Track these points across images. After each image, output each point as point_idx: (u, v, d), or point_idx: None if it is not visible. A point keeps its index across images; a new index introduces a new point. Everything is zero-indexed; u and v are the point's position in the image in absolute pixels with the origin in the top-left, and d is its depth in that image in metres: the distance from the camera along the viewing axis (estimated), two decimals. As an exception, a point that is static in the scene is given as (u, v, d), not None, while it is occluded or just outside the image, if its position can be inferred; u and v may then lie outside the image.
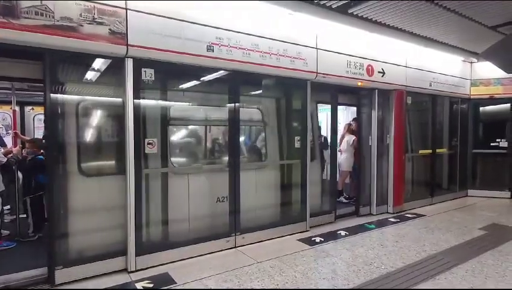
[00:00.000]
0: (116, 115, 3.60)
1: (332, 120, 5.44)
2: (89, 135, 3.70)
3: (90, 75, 3.69)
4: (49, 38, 2.88)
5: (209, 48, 3.80)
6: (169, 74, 4.02)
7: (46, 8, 2.85)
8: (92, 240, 3.41)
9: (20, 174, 4.62)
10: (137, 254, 3.46)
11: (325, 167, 5.74)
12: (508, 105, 7.44)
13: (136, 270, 3.45)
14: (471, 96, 7.70)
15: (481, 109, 7.99)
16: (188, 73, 4.10)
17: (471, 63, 7.62)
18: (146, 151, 3.57)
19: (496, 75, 7.17)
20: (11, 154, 4.48)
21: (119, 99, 3.53)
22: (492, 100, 7.62)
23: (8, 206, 5.16)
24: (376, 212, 5.85)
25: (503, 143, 7.47)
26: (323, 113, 6.45)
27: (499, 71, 6.16)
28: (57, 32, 2.91)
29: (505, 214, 6.05)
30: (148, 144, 3.56)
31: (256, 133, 5.18)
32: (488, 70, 7.20)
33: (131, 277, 3.33)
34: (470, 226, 5.20)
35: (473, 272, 3.47)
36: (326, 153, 5.82)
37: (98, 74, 3.67)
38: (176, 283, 3.19)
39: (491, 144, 7.62)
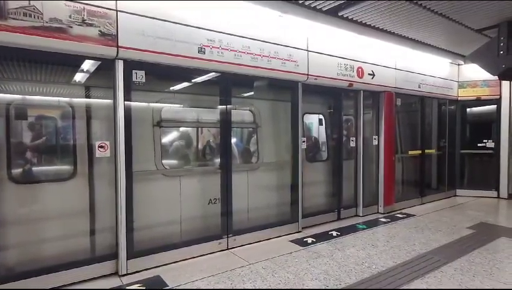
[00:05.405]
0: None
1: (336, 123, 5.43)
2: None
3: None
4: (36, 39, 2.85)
5: (201, 50, 3.79)
6: (161, 75, 4.01)
7: (34, 9, 2.82)
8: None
9: None
10: (128, 257, 3.43)
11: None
12: (494, 106, 7.60)
13: (128, 274, 3.42)
14: (459, 98, 7.85)
15: (468, 110, 8.15)
16: (179, 75, 4.08)
17: (458, 65, 7.77)
18: (137, 153, 3.55)
19: (483, 77, 7.31)
20: None
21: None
22: (479, 101, 7.78)
23: None
24: (362, 213, 5.90)
25: (490, 144, 7.63)
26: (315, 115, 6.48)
27: (486, 73, 6.29)
28: (46, 33, 2.87)
29: (492, 213, 6.18)
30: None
31: (248, 134, 5.19)
32: (475, 72, 7.34)
33: (123, 281, 3.30)
34: (459, 225, 5.29)
35: (461, 270, 3.53)
36: (319, 155, 5.88)
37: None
38: (167, 286, 3.17)
39: (478, 145, 7.77)
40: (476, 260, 3.82)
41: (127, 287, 3.15)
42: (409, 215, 5.96)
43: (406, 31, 5.65)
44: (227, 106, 4.20)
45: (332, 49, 5.17)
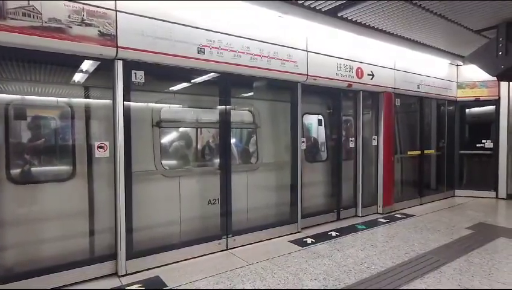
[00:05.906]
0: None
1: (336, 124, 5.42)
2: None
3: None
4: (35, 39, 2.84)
5: (200, 50, 3.79)
6: (160, 75, 4.01)
7: (33, 9, 2.81)
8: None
9: None
10: (127, 258, 3.43)
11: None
12: (493, 107, 7.62)
13: (127, 274, 3.41)
14: (458, 99, 7.87)
15: (467, 110, 8.17)
16: (179, 75, 4.08)
17: (457, 66, 7.79)
18: (136, 153, 3.55)
19: (481, 77, 7.33)
20: None
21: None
22: (478, 102, 7.81)
23: None
24: (361, 214, 5.90)
25: (489, 144, 7.65)
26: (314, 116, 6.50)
27: (484, 74, 6.31)
28: (45, 33, 2.87)
29: (491, 214, 6.19)
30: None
31: (247, 135, 5.19)
32: (474, 73, 7.36)
33: (122, 281, 3.29)
34: (458, 225, 5.30)
35: (460, 270, 3.53)
36: (319, 156, 5.89)
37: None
38: (167, 286, 3.17)
39: (477, 145, 7.79)
40: (475, 260, 3.83)
41: (127, 288, 3.15)
42: (408, 216, 5.96)
43: (405, 32, 5.66)
44: (227, 106, 4.20)
45: (331, 50, 5.18)
